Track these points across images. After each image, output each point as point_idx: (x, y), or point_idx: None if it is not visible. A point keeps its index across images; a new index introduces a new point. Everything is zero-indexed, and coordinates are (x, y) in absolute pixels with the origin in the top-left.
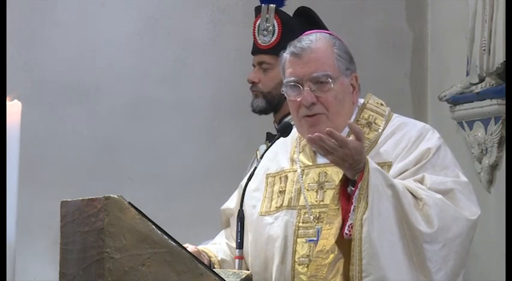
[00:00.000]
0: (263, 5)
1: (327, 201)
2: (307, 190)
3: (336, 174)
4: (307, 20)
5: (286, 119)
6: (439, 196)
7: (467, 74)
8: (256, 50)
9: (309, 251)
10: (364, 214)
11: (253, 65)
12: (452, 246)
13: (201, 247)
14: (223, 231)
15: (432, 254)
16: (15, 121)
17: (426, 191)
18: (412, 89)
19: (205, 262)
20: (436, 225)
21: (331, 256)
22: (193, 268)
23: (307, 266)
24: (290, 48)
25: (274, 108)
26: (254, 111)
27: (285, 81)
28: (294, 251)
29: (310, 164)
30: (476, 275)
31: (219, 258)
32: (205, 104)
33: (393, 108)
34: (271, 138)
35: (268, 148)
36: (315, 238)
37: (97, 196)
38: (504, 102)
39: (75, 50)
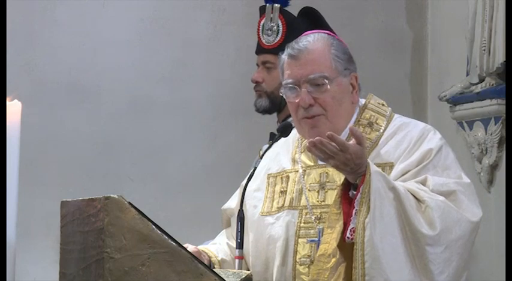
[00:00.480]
0: (268, 4)
1: (328, 201)
2: (309, 190)
3: (337, 174)
4: (312, 20)
5: (289, 119)
6: (442, 198)
7: (467, 74)
8: (260, 49)
9: (310, 252)
10: (366, 217)
11: (257, 65)
12: (455, 248)
13: (201, 247)
14: (224, 231)
15: (435, 256)
16: (15, 121)
17: (428, 193)
18: (412, 89)
19: (205, 262)
20: (438, 227)
21: (333, 260)
22: (193, 268)
23: (308, 267)
24: (288, 50)
25: (277, 108)
26: (258, 111)
27: (283, 83)
28: (295, 252)
29: (312, 164)
30: (477, 276)
31: (219, 258)
32: (205, 104)
33: (393, 109)
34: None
35: (268, 147)
36: (316, 238)
37: (97, 196)
38: (504, 102)
39: (75, 50)
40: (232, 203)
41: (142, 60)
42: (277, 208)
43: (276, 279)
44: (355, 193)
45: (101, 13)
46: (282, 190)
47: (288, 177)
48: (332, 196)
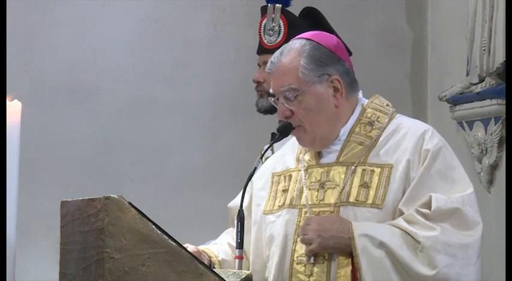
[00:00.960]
0: (269, 4)
1: (327, 200)
2: (309, 189)
3: (337, 174)
4: (313, 20)
5: None
6: (437, 230)
7: (467, 74)
8: (262, 49)
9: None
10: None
11: (259, 65)
12: (464, 275)
13: (201, 247)
14: (229, 229)
15: None
16: (15, 121)
17: (424, 228)
18: (412, 89)
19: (206, 262)
20: (439, 265)
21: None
22: (193, 268)
23: (305, 266)
24: (267, 64)
25: None
26: (259, 111)
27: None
28: (293, 250)
29: (314, 163)
30: (479, 274)
31: (219, 258)
32: (205, 104)
33: (394, 108)
34: None
35: (269, 147)
36: None
37: (97, 196)
38: (504, 102)
39: (75, 50)
40: (238, 201)
41: (142, 60)
42: (279, 206)
43: (273, 277)
44: None
45: (101, 13)
46: (284, 188)
47: (290, 176)
48: (331, 195)
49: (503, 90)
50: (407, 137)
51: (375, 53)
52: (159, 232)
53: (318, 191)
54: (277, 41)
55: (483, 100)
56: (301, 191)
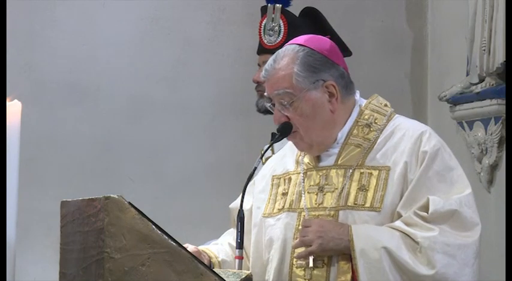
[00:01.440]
0: (269, 4)
1: (326, 204)
2: (308, 192)
3: (336, 177)
4: (313, 21)
5: None
6: (436, 231)
7: (467, 74)
8: (262, 49)
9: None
10: None
11: (259, 65)
12: (462, 276)
13: (201, 247)
14: (230, 230)
15: None
16: (15, 121)
17: (422, 228)
18: (412, 89)
19: (205, 262)
20: (437, 265)
21: None
22: (193, 268)
23: (305, 270)
24: (263, 70)
25: None
26: (259, 111)
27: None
28: (292, 254)
29: (313, 166)
30: (476, 275)
31: (219, 259)
32: (205, 104)
33: (393, 109)
34: None
35: (269, 147)
36: None
37: (97, 196)
38: (504, 102)
39: (75, 50)
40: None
41: (142, 60)
42: (278, 209)
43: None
44: None
45: (101, 13)
46: (284, 191)
47: (290, 179)
48: (330, 199)
49: (503, 90)
50: (404, 138)
51: (374, 53)
52: (159, 232)
53: (317, 194)
54: (277, 41)
55: (483, 100)
56: (300, 195)
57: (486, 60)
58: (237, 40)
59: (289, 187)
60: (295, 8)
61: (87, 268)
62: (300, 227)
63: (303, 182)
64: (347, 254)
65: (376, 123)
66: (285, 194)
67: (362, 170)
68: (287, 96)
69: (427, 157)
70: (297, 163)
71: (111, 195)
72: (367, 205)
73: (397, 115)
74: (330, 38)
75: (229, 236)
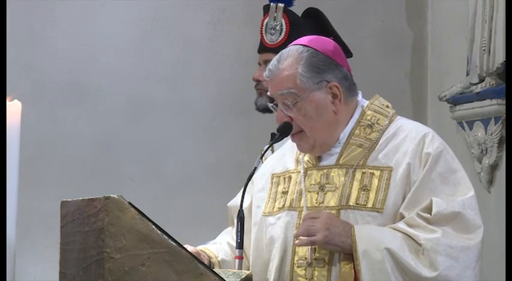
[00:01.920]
0: (272, 3)
1: (327, 203)
2: (309, 191)
3: (337, 177)
4: (315, 21)
5: None
6: (439, 233)
7: (467, 74)
8: (263, 48)
9: (307, 254)
10: None
11: (259, 64)
12: (464, 279)
13: (201, 247)
14: (229, 228)
15: None
16: (15, 121)
17: (425, 230)
18: (412, 89)
19: (205, 262)
20: (439, 268)
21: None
22: (193, 268)
23: (305, 269)
24: (266, 70)
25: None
26: (258, 109)
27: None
28: (293, 253)
29: (313, 165)
30: (478, 277)
31: (219, 259)
32: (205, 104)
33: (394, 109)
34: None
35: (268, 147)
36: None
37: (97, 196)
38: (504, 102)
39: (75, 50)
40: (238, 201)
41: (142, 60)
42: (278, 208)
43: (273, 280)
44: None
45: (101, 13)
46: (284, 190)
47: (290, 177)
48: (330, 198)
49: (503, 90)
50: (407, 140)
51: (375, 53)
52: (159, 232)
53: (317, 193)
54: (279, 40)
55: (483, 100)
56: (300, 194)
57: (486, 60)
58: (237, 40)
59: (289, 186)
60: (297, 8)
61: (87, 268)
62: (303, 219)
63: (304, 180)
64: (348, 254)
65: (378, 124)
66: (285, 192)
67: (364, 170)
68: (291, 96)
69: (430, 159)
70: (297, 161)
71: (111, 195)
72: (369, 205)
73: (399, 117)
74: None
75: (228, 235)
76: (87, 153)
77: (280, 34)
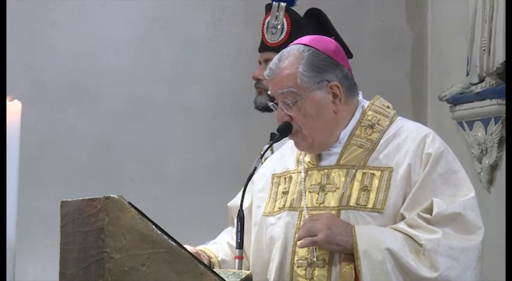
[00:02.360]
0: (274, 2)
1: (327, 203)
2: (309, 191)
3: (337, 177)
4: (317, 21)
5: None
6: (439, 234)
7: (467, 74)
8: (264, 47)
9: (308, 254)
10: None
11: (259, 62)
12: (464, 280)
13: (201, 247)
14: (229, 228)
15: None
16: (15, 121)
17: (426, 231)
18: (412, 89)
19: (205, 262)
20: (440, 268)
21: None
22: (193, 268)
23: (305, 269)
24: (267, 69)
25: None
26: (257, 108)
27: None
28: (294, 253)
29: (314, 166)
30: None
31: (219, 259)
32: (205, 104)
33: (394, 110)
34: None
35: (268, 147)
36: None
37: (97, 196)
38: (504, 102)
39: (75, 50)
40: (238, 201)
41: (142, 60)
42: (279, 208)
43: (274, 280)
44: None
45: (101, 13)
46: (284, 190)
47: (290, 178)
48: (331, 199)
49: (503, 90)
50: (408, 140)
51: (375, 53)
52: (159, 232)
53: (318, 194)
54: (280, 39)
55: (483, 100)
56: (301, 194)
57: (486, 60)
58: (237, 40)
59: (289, 186)
60: (299, 8)
61: (87, 268)
62: (304, 221)
63: (304, 181)
64: (349, 254)
65: (379, 124)
66: (285, 193)
67: (364, 171)
68: (291, 95)
69: (431, 159)
70: (298, 162)
71: (111, 195)
72: (370, 205)
73: (399, 117)
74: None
75: (228, 235)
76: (87, 153)
77: (281, 33)
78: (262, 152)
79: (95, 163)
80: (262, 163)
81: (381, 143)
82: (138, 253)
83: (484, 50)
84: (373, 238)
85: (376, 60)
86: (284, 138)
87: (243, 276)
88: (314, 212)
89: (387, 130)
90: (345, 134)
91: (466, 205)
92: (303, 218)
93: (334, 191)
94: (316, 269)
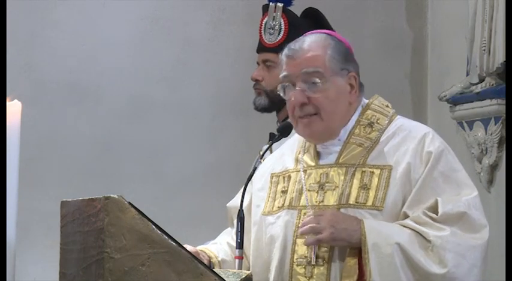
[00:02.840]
0: (271, 3)
1: (327, 202)
2: (308, 190)
3: (337, 176)
4: (314, 21)
5: (289, 119)
6: (447, 231)
7: (467, 74)
8: (262, 48)
9: (307, 252)
10: (370, 276)
11: (258, 63)
12: (470, 277)
13: (201, 247)
14: (228, 229)
15: None
16: (15, 121)
17: (433, 228)
18: (412, 89)
19: (205, 262)
20: (448, 264)
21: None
22: (193, 268)
23: (305, 267)
24: (285, 50)
25: (277, 107)
26: (256, 109)
27: (280, 80)
28: (293, 252)
29: (313, 164)
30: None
31: (219, 259)
32: (205, 104)
33: (393, 109)
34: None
35: (268, 147)
36: None
37: (97, 196)
38: (504, 102)
39: (75, 50)
40: (237, 201)
41: (142, 60)
42: (278, 207)
43: (274, 279)
44: None
45: (101, 13)
46: (283, 189)
47: (289, 177)
48: (330, 197)
49: (503, 90)
50: (407, 139)
51: (374, 53)
52: (159, 232)
53: (317, 192)
54: (277, 40)
55: (483, 100)
56: (300, 193)
57: (486, 60)
58: (237, 40)
59: (288, 185)
60: (296, 8)
61: (87, 268)
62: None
63: (303, 179)
64: (353, 249)
65: (378, 123)
66: (284, 192)
67: (364, 169)
68: (316, 76)
69: (432, 158)
70: (297, 161)
71: (111, 195)
72: (369, 203)
73: (398, 116)
74: None
75: (227, 235)
76: (87, 153)
77: (279, 34)
78: (261, 152)
79: (95, 163)
80: (261, 163)
81: (380, 141)
82: (138, 253)
83: (484, 50)
84: (382, 232)
85: (376, 60)
86: (283, 138)
87: (243, 276)
88: (314, 211)
89: (386, 129)
90: (345, 130)
91: (470, 203)
92: (303, 216)
93: (334, 189)
94: (316, 267)
